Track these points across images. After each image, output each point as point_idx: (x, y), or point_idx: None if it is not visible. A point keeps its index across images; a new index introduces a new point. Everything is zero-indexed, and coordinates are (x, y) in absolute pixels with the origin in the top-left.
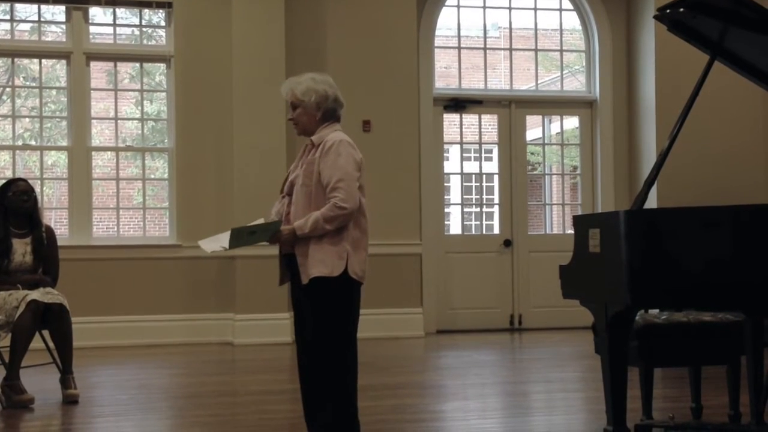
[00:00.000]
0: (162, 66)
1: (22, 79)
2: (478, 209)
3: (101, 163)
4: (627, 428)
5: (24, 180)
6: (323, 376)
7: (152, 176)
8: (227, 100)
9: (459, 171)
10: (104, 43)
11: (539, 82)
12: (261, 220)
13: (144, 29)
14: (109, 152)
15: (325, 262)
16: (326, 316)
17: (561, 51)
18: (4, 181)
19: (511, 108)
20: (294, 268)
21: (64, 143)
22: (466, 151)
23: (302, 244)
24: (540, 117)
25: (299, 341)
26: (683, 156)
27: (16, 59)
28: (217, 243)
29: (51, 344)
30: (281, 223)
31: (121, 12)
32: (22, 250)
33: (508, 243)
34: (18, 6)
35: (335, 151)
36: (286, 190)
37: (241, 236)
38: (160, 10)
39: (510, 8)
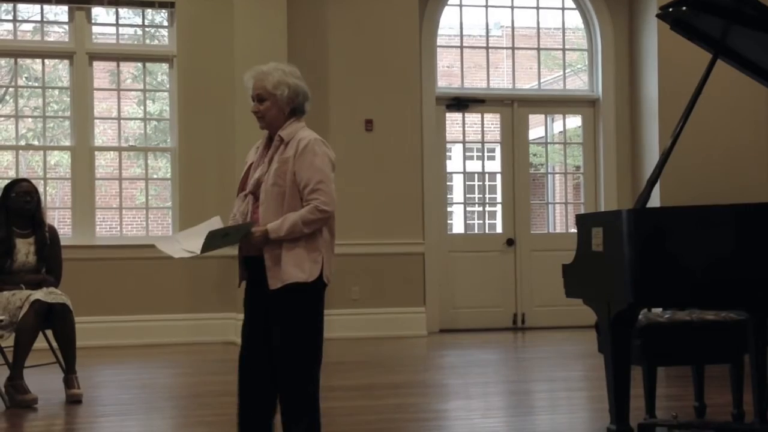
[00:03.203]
0: (164, 65)
1: (24, 79)
2: (481, 208)
3: (104, 162)
4: (630, 427)
5: (27, 180)
6: (294, 381)
7: (155, 176)
8: (229, 99)
9: (462, 170)
10: (107, 43)
11: (542, 81)
12: (217, 218)
13: (146, 29)
14: (111, 152)
15: (302, 267)
16: (302, 322)
17: (563, 50)
18: (7, 182)
19: (514, 107)
20: (254, 271)
21: (67, 143)
22: (469, 150)
23: (273, 248)
24: (542, 116)
25: (252, 346)
26: (686, 155)
27: (19, 59)
28: (176, 244)
29: (54, 344)
30: (253, 225)
31: (124, 12)
32: (25, 250)
33: (510, 242)
34: (21, 6)
35: (311, 151)
36: (251, 189)
37: (215, 240)
38: (163, 10)
39: (512, 7)
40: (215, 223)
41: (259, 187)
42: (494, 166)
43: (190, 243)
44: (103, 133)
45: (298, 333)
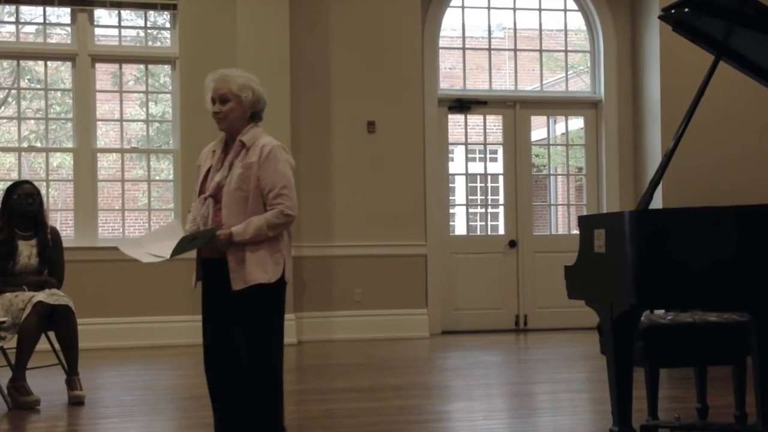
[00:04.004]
0: (167, 67)
1: (27, 81)
2: (483, 210)
3: (106, 164)
4: (632, 429)
5: (29, 182)
6: (257, 380)
7: (157, 177)
8: None
9: (464, 172)
10: (109, 44)
11: (544, 82)
12: (177, 220)
13: (149, 31)
14: (114, 154)
15: (265, 268)
16: (265, 322)
17: (566, 51)
18: (9, 184)
19: (516, 109)
20: (212, 273)
21: (70, 145)
22: (471, 152)
23: (237, 250)
24: (545, 117)
25: (217, 347)
26: (688, 156)
27: (21, 61)
28: (140, 248)
29: (57, 346)
30: (218, 228)
31: (126, 14)
32: (27, 252)
33: (513, 244)
34: (23, 8)
35: (275, 157)
36: (211, 192)
37: (184, 244)
38: (165, 12)
39: (514, 9)
40: (175, 226)
41: (220, 190)
42: (496, 167)
43: (155, 247)
44: (105, 135)
45: (262, 332)
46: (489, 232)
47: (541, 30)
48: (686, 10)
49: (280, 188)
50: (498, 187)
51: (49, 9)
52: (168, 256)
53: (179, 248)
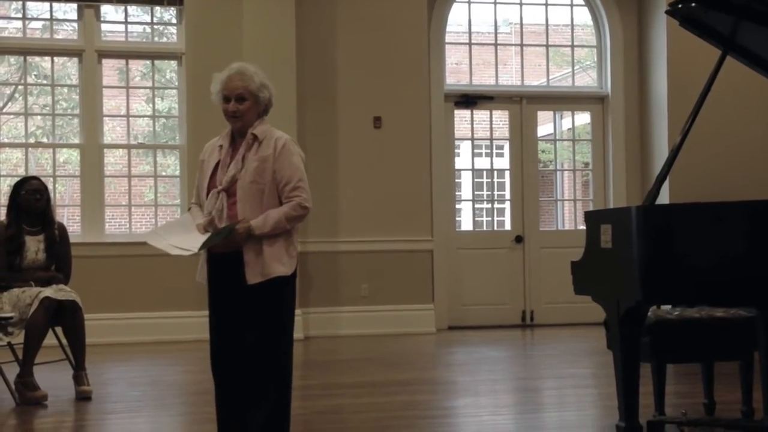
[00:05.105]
0: (173, 63)
1: (34, 76)
2: (490, 205)
3: (113, 160)
4: (639, 424)
5: (37, 178)
6: (270, 374)
7: (164, 173)
8: None
9: (470, 167)
10: (116, 40)
11: (550, 77)
12: (187, 214)
13: (155, 27)
14: (120, 149)
15: (282, 261)
16: (282, 314)
17: (572, 46)
18: (17, 180)
19: (522, 104)
20: (223, 267)
21: (76, 141)
22: (477, 147)
23: (253, 243)
24: (551, 113)
25: (227, 342)
26: (695, 151)
27: (28, 57)
28: (162, 240)
29: (64, 341)
30: (239, 222)
31: (133, 9)
32: (34, 247)
33: (519, 239)
34: (30, 4)
35: (289, 150)
36: (225, 186)
37: (211, 238)
38: (171, 8)
39: (521, 4)
40: (187, 219)
41: (234, 184)
42: (503, 163)
43: (177, 239)
44: (112, 131)
45: (275, 326)
46: (495, 228)
47: (547, 25)
48: (693, 4)
49: (297, 181)
50: (504, 182)
51: (55, 5)
52: (196, 250)
53: (206, 242)
